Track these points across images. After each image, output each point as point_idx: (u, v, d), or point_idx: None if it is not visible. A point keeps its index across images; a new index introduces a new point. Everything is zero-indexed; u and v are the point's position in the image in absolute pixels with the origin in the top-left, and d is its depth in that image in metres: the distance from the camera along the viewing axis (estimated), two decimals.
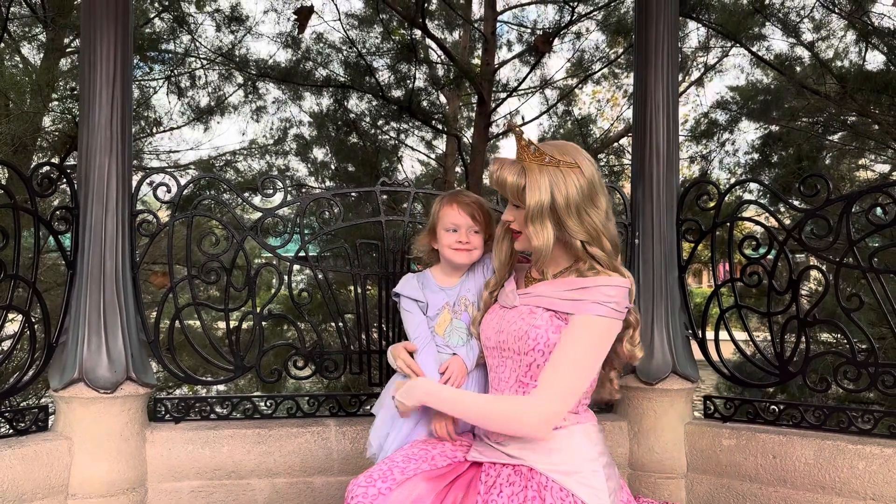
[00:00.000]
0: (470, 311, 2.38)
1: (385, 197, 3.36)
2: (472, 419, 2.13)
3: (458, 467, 2.12)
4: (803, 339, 3.04)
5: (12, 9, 7.69)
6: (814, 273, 3.24)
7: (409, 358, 2.34)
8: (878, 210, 2.93)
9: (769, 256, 3.18)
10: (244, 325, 3.24)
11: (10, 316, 2.94)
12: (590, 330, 2.02)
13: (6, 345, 3.45)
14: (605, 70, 10.15)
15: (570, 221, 2.06)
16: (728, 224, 3.30)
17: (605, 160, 10.22)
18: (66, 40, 7.98)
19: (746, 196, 7.86)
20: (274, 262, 3.34)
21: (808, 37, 8.40)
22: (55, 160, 7.15)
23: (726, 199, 3.38)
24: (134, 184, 3.13)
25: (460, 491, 2.07)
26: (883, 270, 2.87)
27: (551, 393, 2.00)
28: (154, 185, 3.14)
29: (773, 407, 3.18)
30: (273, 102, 9.68)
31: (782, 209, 5.81)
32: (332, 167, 9.61)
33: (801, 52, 8.47)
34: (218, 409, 3.24)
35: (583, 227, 2.07)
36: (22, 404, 5.84)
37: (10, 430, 2.84)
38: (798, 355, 3.09)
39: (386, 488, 2.00)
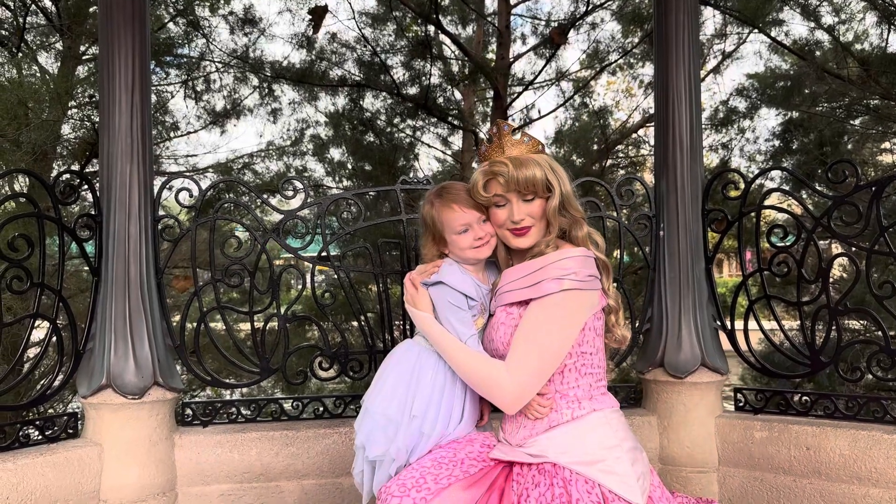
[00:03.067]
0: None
1: (403, 195, 3.35)
2: (454, 365, 2.10)
3: (489, 472, 2.07)
4: (834, 327, 2.99)
5: (28, 18, 7.75)
6: (838, 260, 3.17)
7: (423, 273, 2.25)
8: None
9: (796, 245, 3.14)
10: (267, 327, 3.24)
11: (37, 323, 2.96)
12: (550, 309, 1.99)
13: (33, 352, 3.47)
14: (621, 60, 10.04)
15: (575, 202, 2.11)
16: (754, 213, 3.26)
17: (624, 151, 10.12)
18: (83, 48, 8.03)
19: (769, 184, 7.75)
20: (293, 263, 3.33)
21: (827, 20, 8.28)
22: (75, 167, 7.21)
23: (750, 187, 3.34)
24: (155, 189, 3.14)
25: (495, 501, 2.00)
26: None
27: (524, 376, 1.99)
28: (175, 189, 3.16)
29: (804, 398, 3.14)
30: (289, 104, 9.67)
31: (805, 195, 5.73)
32: (350, 167, 9.60)
33: (821, 35, 8.34)
34: (244, 412, 3.24)
35: (579, 206, 2.12)
36: (50, 411, 5.90)
37: (41, 438, 2.86)
38: (829, 344, 3.04)
39: (421, 499, 1.94)
